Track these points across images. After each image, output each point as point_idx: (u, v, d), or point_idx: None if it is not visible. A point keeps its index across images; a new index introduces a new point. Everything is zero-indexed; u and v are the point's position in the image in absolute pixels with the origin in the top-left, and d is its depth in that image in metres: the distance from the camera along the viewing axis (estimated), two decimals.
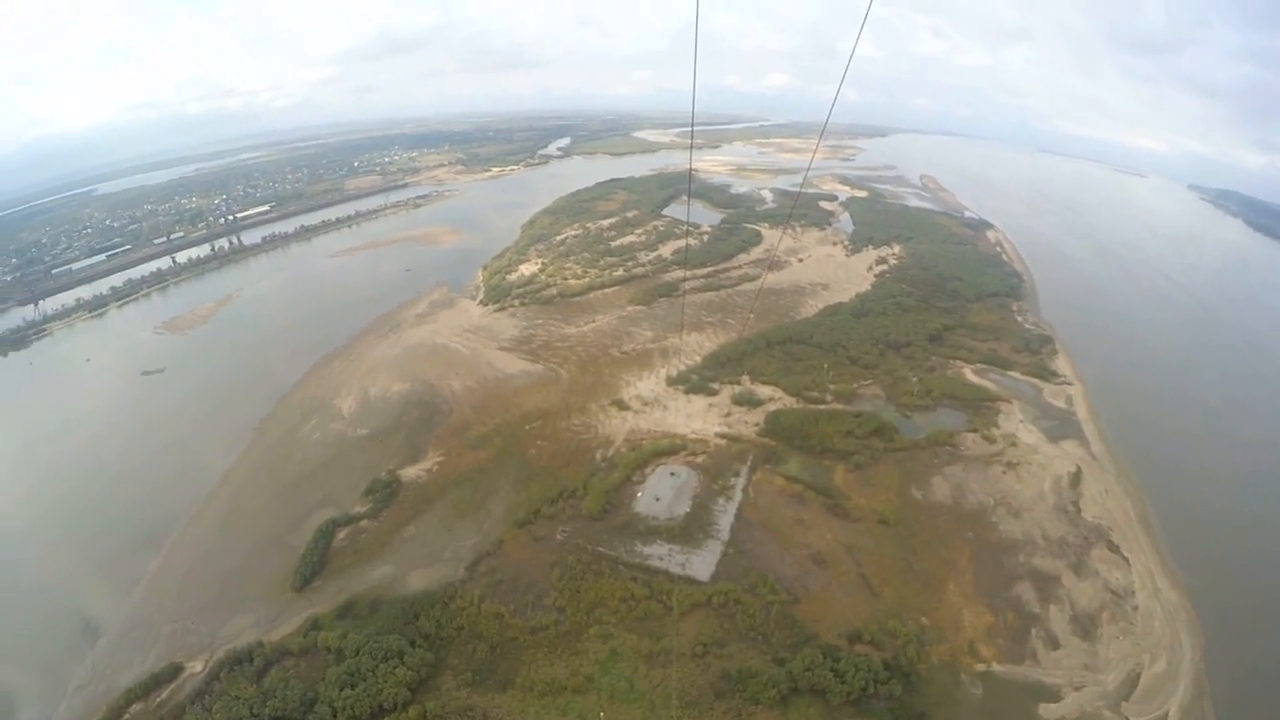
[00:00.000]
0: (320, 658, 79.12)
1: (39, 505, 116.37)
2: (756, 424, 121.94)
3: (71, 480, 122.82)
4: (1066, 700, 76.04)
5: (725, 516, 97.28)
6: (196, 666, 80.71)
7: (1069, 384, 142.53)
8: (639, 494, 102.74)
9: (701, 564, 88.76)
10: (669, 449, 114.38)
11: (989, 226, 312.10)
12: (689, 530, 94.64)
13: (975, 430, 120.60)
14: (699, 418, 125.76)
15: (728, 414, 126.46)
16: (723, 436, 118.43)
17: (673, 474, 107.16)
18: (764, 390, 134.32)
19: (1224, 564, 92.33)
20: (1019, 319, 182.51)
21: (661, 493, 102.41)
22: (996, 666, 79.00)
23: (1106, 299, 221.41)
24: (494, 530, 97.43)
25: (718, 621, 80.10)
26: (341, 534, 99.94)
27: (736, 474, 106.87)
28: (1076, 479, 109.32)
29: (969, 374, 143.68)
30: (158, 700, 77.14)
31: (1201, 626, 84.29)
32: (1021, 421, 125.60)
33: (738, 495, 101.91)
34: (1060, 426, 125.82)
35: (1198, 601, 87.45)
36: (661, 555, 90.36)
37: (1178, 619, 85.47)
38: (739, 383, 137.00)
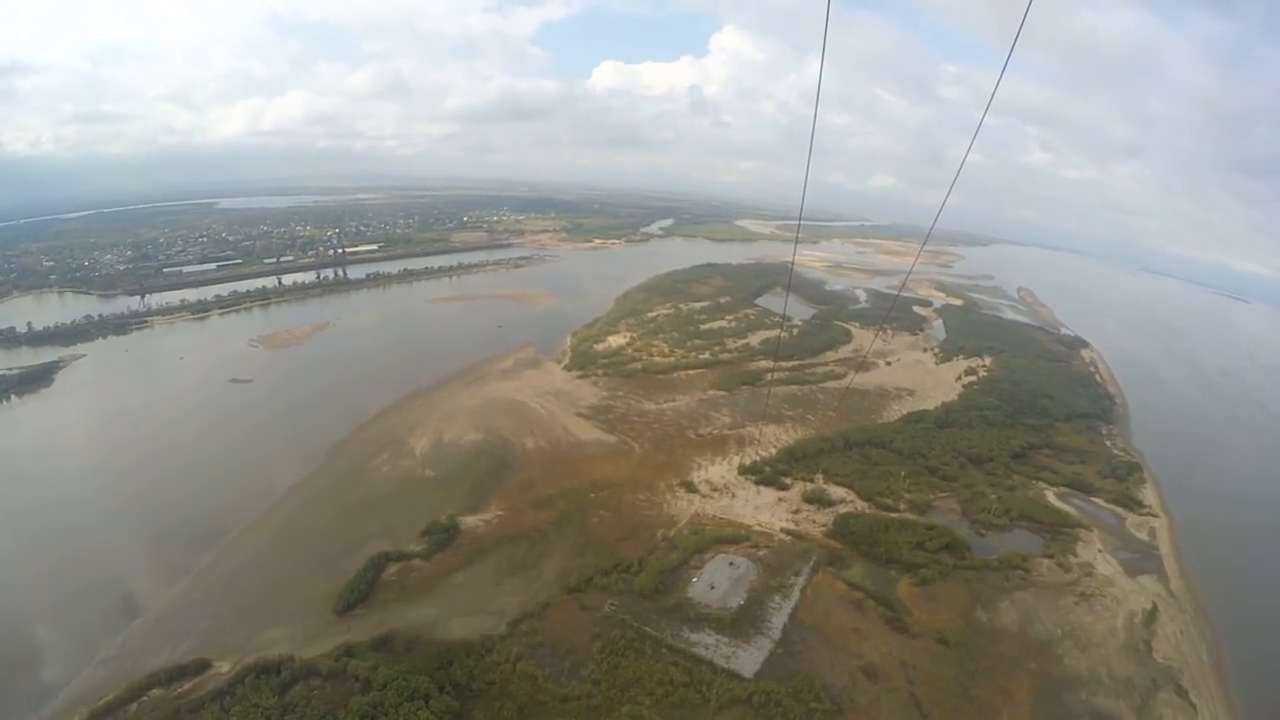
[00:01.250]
0: (347, 684, 79.79)
1: (108, 482, 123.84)
2: (824, 524, 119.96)
3: (144, 466, 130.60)
4: None
5: (779, 615, 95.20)
6: (224, 667, 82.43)
7: (1154, 516, 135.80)
8: (694, 579, 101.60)
9: (747, 660, 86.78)
10: (732, 538, 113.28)
11: (1084, 345, 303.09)
12: (740, 623, 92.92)
13: (1051, 556, 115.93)
14: (766, 510, 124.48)
15: (796, 510, 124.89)
16: (788, 532, 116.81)
17: (731, 564, 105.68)
18: (837, 491, 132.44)
19: None
20: (1108, 443, 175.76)
21: (718, 581, 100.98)
22: None
23: (1201, 429, 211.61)
24: (542, 592, 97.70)
25: None
26: (392, 568, 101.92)
27: (797, 573, 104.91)
28: (1151, 617, 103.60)
29: (1050, 496, 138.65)
30: (179, 690, 78.87)
31: None
32: (1100, 551, 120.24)
33: (795, 595, 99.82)
34: (1140, 560, 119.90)
35: None
36: (708, 644, 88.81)
37: None
38: (812, 480, 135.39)
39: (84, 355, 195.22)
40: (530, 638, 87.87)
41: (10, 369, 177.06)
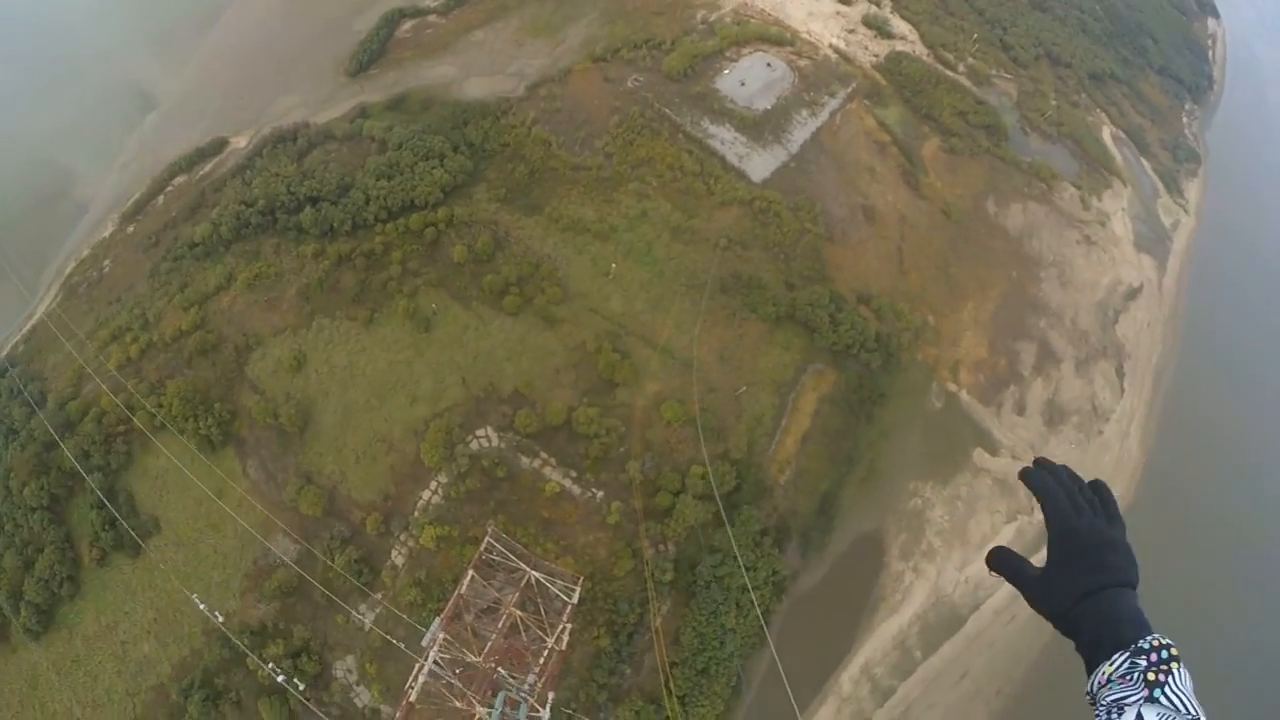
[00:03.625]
0: (363, 146, 79.10)
1: None
2: (876, 55, 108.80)
3: None
4: (1000, 459, 78.18)
5: (802, 131, 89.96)
6: (241, 142, 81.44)
7: (1185, 213, 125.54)
8: (726, 71, 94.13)
9: (759, 164, 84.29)
10: (775, 38, 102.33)
11: (1215, 14, 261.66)
12: (761, 127, 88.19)
13: (1079, 188, 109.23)
14: (820, 20, 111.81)
15: (852, 30, 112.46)
16: (836, 50, 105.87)
17: (769, 65, 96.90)
18: (900, 25, 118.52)
19: (1195, 459, 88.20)
20: (1184, 119, 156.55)
21: (750, 79, 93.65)
22: (965, 395, 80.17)
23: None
24: (565, 58, 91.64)
25: (751, 225, 78.07)
26: (407, 25, 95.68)
27: (833, 94, 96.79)
28: (1133, 294, 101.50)
29: (1106, 134, 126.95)
30: (201, 173, 79.06)
31: (1137, 493, 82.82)
32: (1124, 210, 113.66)
33: (824, 116, 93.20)
34: (1153, 240, 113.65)
35: (1151, 468, 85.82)
36: (725, 140, 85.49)
37: (1125, 469, 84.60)
38: (878, 4, 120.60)
39: None
40: (548, 103, 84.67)
41: None
